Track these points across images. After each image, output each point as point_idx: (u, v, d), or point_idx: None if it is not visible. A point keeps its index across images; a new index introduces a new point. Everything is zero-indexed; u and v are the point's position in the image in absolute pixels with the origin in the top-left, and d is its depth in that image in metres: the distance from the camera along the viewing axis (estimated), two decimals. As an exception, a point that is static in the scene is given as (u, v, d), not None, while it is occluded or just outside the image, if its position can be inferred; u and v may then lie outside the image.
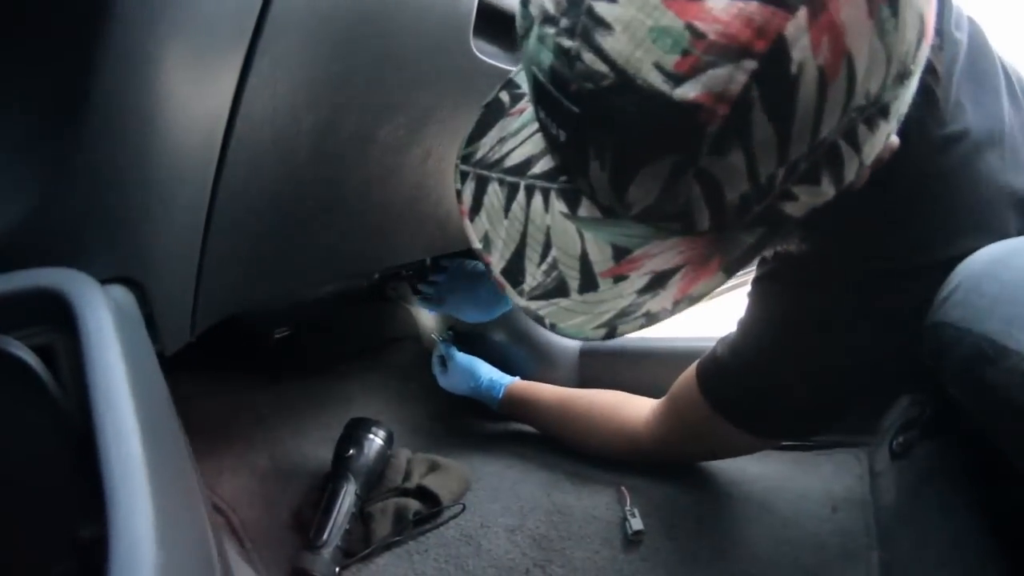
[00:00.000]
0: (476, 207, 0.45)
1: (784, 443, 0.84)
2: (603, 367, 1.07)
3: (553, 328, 0.41)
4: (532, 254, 0.43)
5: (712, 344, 0.69)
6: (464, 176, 0.47)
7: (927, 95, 0.49)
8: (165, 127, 0.43)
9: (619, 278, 0.40)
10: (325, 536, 0.71)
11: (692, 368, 0.71)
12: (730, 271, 0.39)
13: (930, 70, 0.49)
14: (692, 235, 0.40)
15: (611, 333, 0.40)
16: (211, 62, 0.43)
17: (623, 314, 0.40)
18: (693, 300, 0.39)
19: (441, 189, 0.72)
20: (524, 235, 0.43)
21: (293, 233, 0.59)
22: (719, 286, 0.39)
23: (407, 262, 0.87)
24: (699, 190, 0.35)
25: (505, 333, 1.10)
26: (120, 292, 0.48)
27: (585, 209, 0.41)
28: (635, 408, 0.80)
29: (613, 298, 0.40)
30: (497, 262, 0.44)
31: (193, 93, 0.43)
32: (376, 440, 0.82)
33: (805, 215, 0.38)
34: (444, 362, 1.01)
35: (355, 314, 1.06)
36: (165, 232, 0.48)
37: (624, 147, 0.35)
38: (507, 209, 0.44)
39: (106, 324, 0.36)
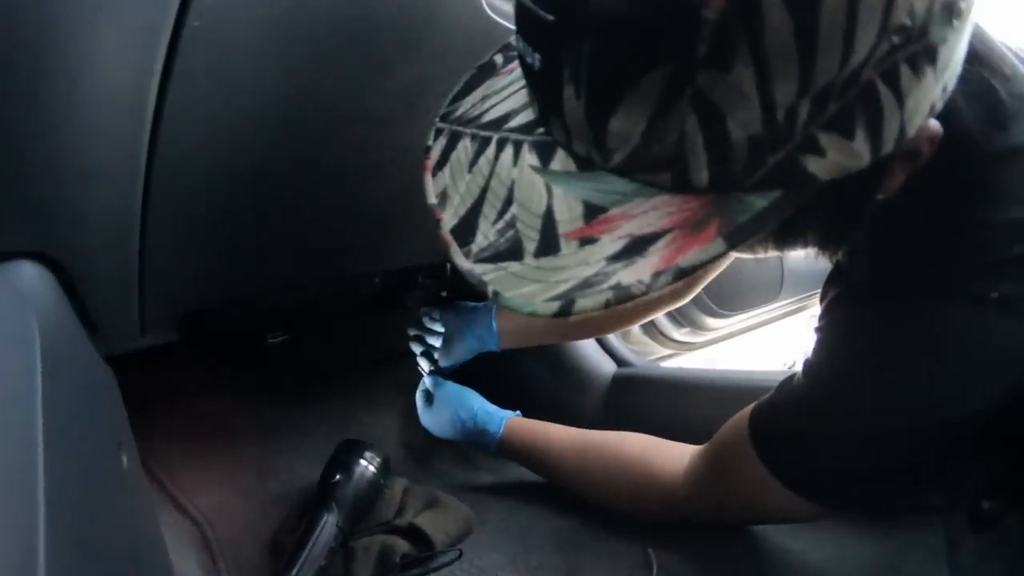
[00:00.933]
0: (442, 163, 0.40)
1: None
2: (638, 397, 0.96)
3: (496, 297, 0.34)
4: (489, 210, 0.36)
5: (775, 381, 0.57)
6: (439, 134, 0.41)
7: (985, 90, 0.42)
8: (77, 79, 0.36)
9: (587, 241, 0.33)
10: (295, 572, 0.63)
11: (745, 411, 0.58)
12: (733, 240, 0.31)
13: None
14: (686, 193, 0.33)
15: (567, 307, 0.32)
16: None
17: (586, 285, 0.32)
18: (682, 272, 0.31)
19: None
20: (485, 190, 0.36)
21: (255, 221, 0.50)
22: (717, 258, 0.31)
23: (410, 265, 0.78)
24: (695, 122, 0.29)
25: (529, 353, 0.99)
26: (29, 269, 0.41)
27: (559, 163, 0.35)
28: (670, 456, 0.67)
29: (576, 265, 0.33)
30: (449, 219, 0.37)
31: (111, 40, 0.36)
32: (368, 467, 0.73)
33: (833, 179, 0.31)
34: (430, 397, 0.86)
35: (366, 322, 0.98)
36: (88, 206, 0.41)
37: (603, 57, 0.30)
38: (473, 163, 0.38)
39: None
